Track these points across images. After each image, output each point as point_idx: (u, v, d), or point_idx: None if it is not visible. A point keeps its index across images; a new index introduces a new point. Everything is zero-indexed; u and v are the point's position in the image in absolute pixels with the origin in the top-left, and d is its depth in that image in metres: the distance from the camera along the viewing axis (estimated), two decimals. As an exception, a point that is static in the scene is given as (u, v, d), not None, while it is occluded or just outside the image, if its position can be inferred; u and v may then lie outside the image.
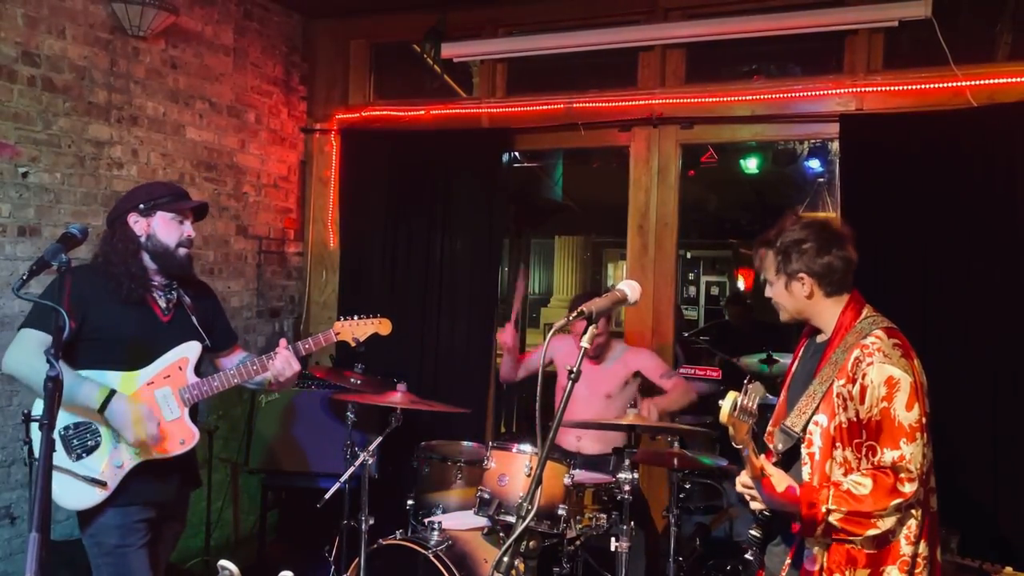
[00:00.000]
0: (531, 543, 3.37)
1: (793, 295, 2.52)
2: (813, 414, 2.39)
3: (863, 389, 2.31)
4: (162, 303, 2.98)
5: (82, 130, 4.26)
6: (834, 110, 4.48)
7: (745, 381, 2.26)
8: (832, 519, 2.25)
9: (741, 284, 15.28)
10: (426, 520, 3.66)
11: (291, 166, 5.70)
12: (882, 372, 2.29)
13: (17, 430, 3.89)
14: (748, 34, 4.66)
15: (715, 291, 17.19)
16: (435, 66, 5.44)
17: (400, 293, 5.33)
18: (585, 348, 2.11)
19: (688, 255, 16.35)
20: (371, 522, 3.74)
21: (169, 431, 2.88)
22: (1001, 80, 4.14)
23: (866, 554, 2.31)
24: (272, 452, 4.77)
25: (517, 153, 5.72)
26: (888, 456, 2.26)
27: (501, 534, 3.51)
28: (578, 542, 3.61)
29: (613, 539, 3.44)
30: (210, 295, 3.24)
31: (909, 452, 2.25)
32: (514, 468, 3.48)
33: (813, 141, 5.86)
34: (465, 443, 4.19)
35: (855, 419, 2.33)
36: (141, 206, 2.93)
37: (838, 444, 2.35)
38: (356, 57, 5.73)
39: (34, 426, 2.49)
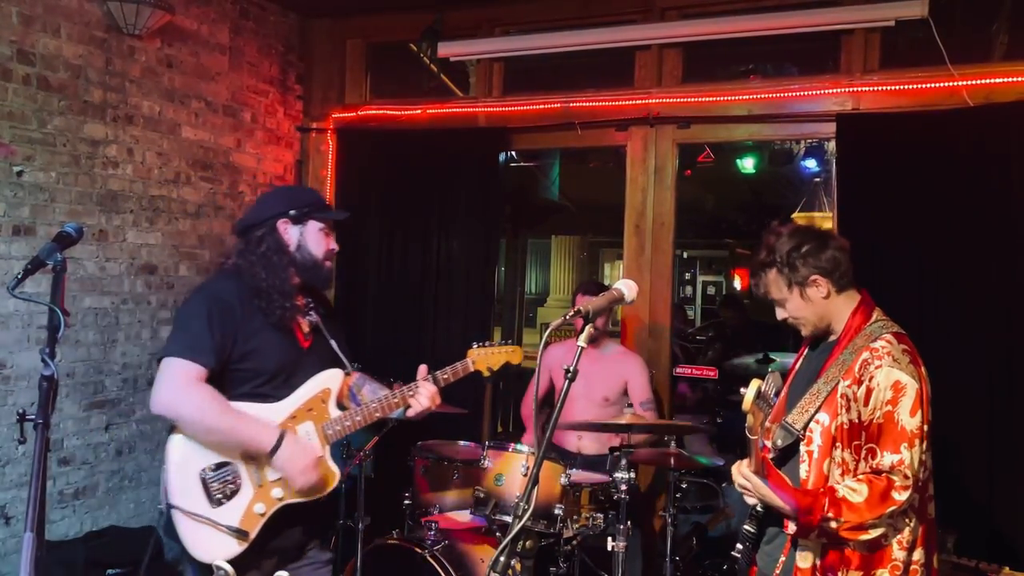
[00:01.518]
0: (528, 543, 3.36)
1: (812, 301, 2.47)
2: (815, 413, 2.39)
3: (868, 391, 2.31)
4: (304, 327, 2.67)
5: (77, 129, 4.25)
6: (830, 110, 4.48)
7: (769, 370, 2.26)
8: (827, 526, 2.25)
9: (737, 284, 15.28)
10: (423, 520, 3.65)
11: (287, 165, 5.69)
12: (890, 376, 2.29)
13: (12, 430, 3.89)
14: (745, 34, 4.66)
15: (712, 291, 17.21)
16: (432, 65, 5.43)
17: (396, 292, 5.32)
18: (582, 347, 2.10)
19: (685, 255, 16.37)
20: (367, 522, 3.74)
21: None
22: (997, 80, 4.14)
23: (859, 556, 2.31)
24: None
25: (514, 153, 5.73)
26: (887, 459, 2.26)
27: (497, 534, 3.51)
28: (575, 542, 3.61)
29: (610, 539, 3.44)
30: (334, 314, 2.93)
31: (908, 457, 2.25)
32: (511, 468, 3.48)
33: (809, 141, 5.88)
34: (462, 443, 4.18)
35: (856, 421, 2.33)
36: (292, 212, 2.63)
37: (838, 444, 2.35)
38: (352, 56, 5.72)
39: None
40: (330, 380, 2.67)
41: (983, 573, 3.46)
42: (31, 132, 4.03)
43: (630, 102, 4.92)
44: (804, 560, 2.36)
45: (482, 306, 5.20)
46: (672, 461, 3.75)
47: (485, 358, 2.89)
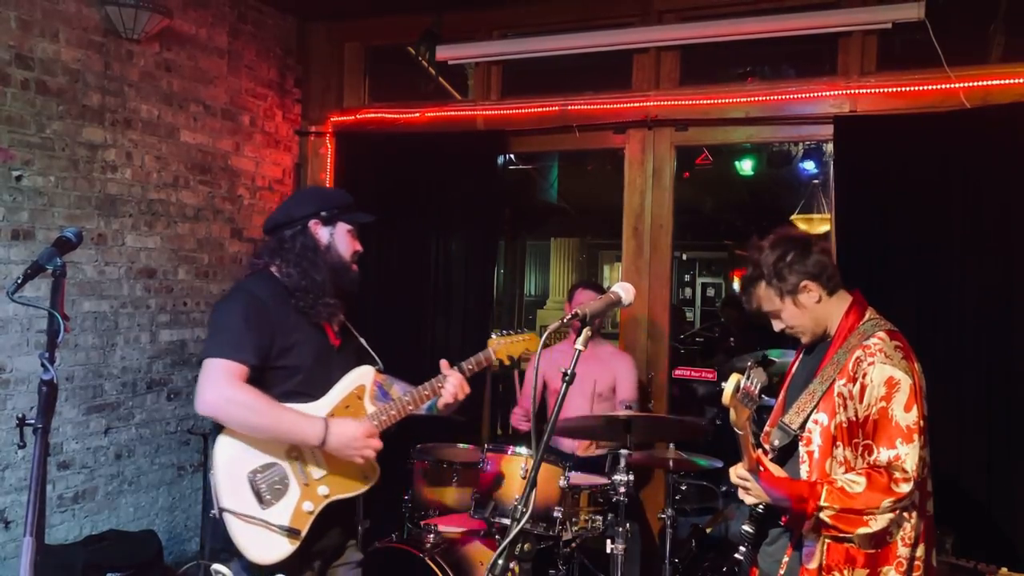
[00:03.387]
0: (526, 545, 3.36)
1: (805, 307, 2.48)
2: (812, 412, 2.40)
3: (863, 388, 2.32)
4: (334, 325, 2.71)
5: (76, 133, 4.25)
6: (828, 112, 4.49)
7: (748, 365, 2.26)
8: (823, 515, 2.26)
9: (737, 285, 15.29)
10: (422, 523, 3.66)
11: (286, 169, 5.70)
12: (883, 372, 2.31)
13: (11, 434, 3.89)
14: (742, 36, 4.66)
15: (711, 292, 17.21)
16: (430, 68, 5.43)
17: (395, 295, 5.32)
18: (580, 350, 2.11)
19: (684, 257, 16.36)
20: (367, 524, 3.74)
21: (353, 467, 2.64)
22: (994, 82, 4.16)
23: (864, 554, 2.32)
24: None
25: (512, 155, 5.73)
26: (884, 455, 2.27)
27: (496, 536, 3.51)
28: (574, 544, 3.61)
29: (609, 541, 3.44)
30: (354, 314, 2.92)
31: (905, 452, 2.26)
32: (509, 470, 3.48)
33: (807, 143, 5.88)
34: (461, 445, 4.18)
35: (854, 418, 2.34)
36: (323, 213, 2.67)
37: (838, 443, 2.36)
38: (351, 60, 5.73)
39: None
40: (364, 377, 2.71)
41: (981, 574, 3.46)
42: (30, 136, 4.03)
43: (628, 105, 4.93)
44: (811, 560, 2.37)
45: (481, 308, 5.21)
46: (670, 463, 3.75)
47: (505, 347, 2.93)
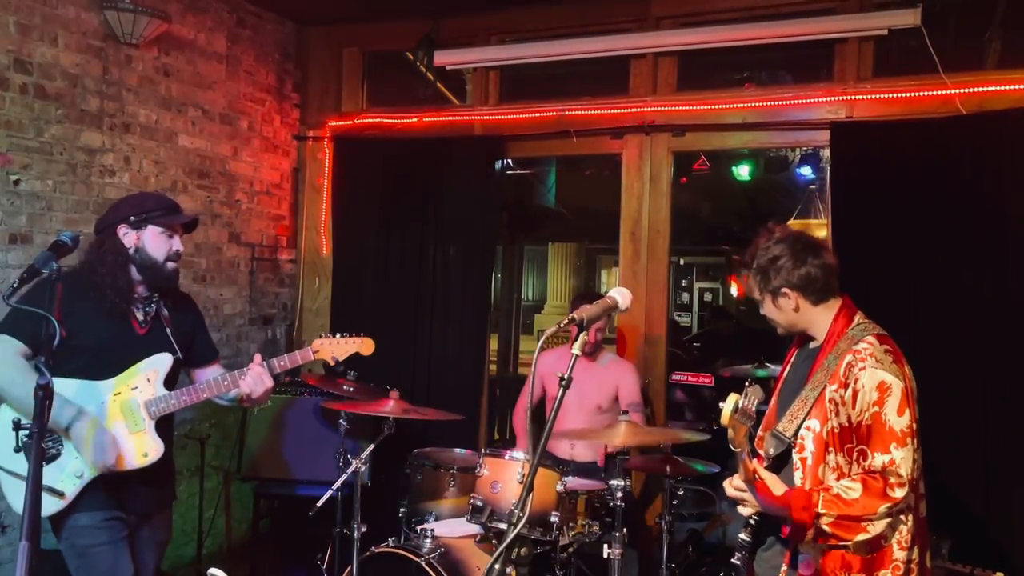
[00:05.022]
0: (523, 550, 3.36)
1: (781, 310, 2.55)
2: (805, 419, 2.41)
3: (855, 393, 2.33)
4: (140, 316, 2.96)
5: (74, 138, 4.26)
6: (824, 118, 4.51)
7: (746, 384, 2.28)
8: (822, 523, 2.26)
9: (734, 290, 15.31)
10: (419, 527, 3.65)
11: (284, 173, 5.71)
12: (874, 377, 2.32)
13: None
14: (739, 42, 4.69)
15: (708, 297, 17.23)
16: (428, 74, 5.45)
17: (393, 300, 5.33)
18: (576, 355, 2.11)
19: (681, 262, 16.38)
20: (363, 530, 3.74)
21: (132, 443, 2.86)
22: (990, 88, 4.17)
23: (861, 559, 2.32)
24: (264, 460, 4.76)
25: (510, 160, 5.74)
26: (879, 460, 2.28)
27: (494, 541, 3.51)
28: (571, 549, 3.61)
29: (606, 546, 3.44)
30: (192, 309, 3.21)
31: (899, 457, 2.27)
32: (507, 475, 3.48)
33: (804, 148, 5.90)
34: (458, 450, 4.18)
35: (847, 424, 2.35)
36: (132, 218, 2.92)
37: (831, 449, 2.37)
38: (349, 65, 5.74)
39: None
40: (159, 363, 2.94)
41: (977, 579, 3.46)
42: (28, 141, 4.04)
43: (625, 110, 4.94)
44: (808, 567, 2.37)
45: (478, 313, 5.21)
46: (667, 468, 3.76)
47: (330, 348, 3.13)
